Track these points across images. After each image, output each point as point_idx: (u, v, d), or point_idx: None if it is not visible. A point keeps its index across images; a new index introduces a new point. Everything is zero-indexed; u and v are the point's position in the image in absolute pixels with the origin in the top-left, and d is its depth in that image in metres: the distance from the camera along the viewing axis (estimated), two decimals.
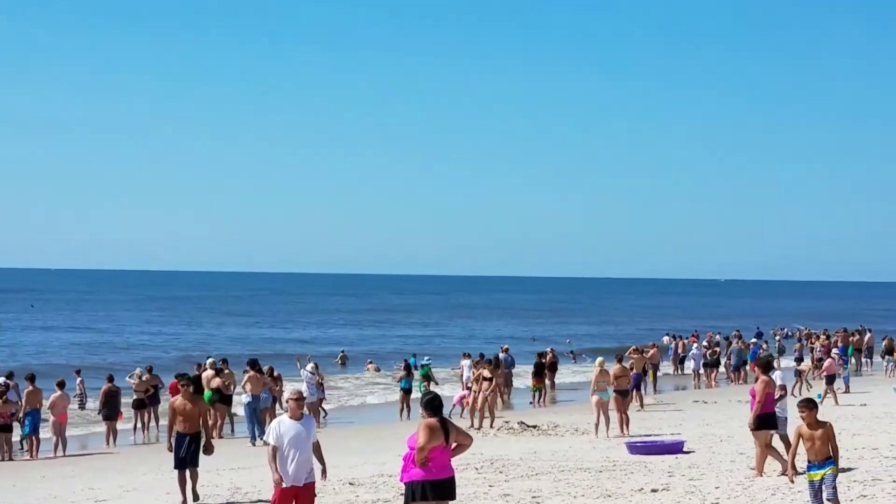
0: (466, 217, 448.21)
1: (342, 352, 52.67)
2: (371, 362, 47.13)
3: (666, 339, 50.87)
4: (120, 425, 26.18)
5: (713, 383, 39.23)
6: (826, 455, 11.40)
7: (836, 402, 28.76)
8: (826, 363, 31.79)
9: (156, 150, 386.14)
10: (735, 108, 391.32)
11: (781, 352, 48.29)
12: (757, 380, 15.60)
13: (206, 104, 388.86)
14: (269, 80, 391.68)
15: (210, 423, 25.93)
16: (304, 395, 27.34)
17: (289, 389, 11.89)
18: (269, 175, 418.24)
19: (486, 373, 26.60)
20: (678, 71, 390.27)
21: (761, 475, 15.35)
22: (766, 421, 15.48)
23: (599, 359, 25.57)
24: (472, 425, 25.29)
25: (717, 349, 42.08)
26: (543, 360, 34.98)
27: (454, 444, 10.20)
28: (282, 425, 11.32)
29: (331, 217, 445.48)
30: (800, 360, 37.16)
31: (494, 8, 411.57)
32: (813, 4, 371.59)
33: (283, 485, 11.16)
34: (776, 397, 16.16)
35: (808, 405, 11.54)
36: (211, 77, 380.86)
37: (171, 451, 15.34)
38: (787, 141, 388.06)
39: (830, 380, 30.46)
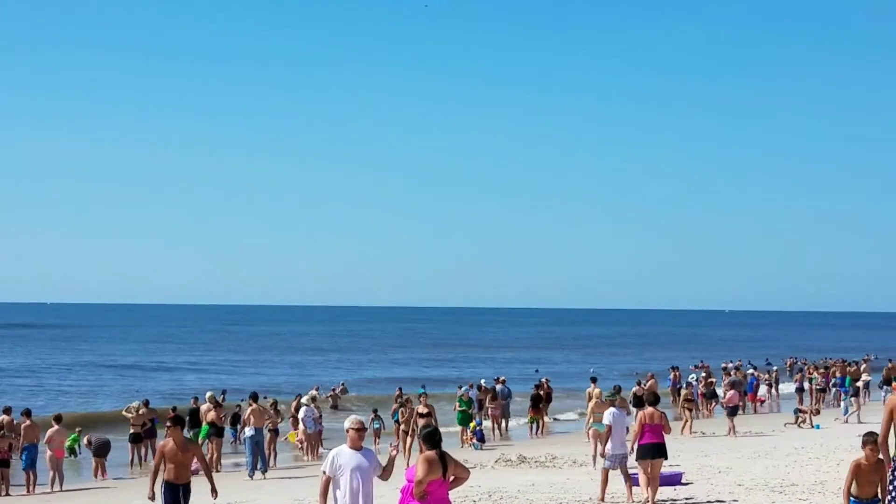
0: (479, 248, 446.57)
1: (342, 384, 47.85)
2: (341, 386, 44.97)
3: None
4: (116, 459, 26.06)
5: (710, 414, 39.13)
6: (873, 494, 11.21)
7: (734, 434, 28.87)
8: (728, 394, 31.41)
9: (155, 176, 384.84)
10: (740, 141, 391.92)
11: (776, 382, 48.17)
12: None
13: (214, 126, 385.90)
14: (279, 107, 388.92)
15: (207, 456, 26.05)
16: (309, 428, 27.47)
17: (350, 419, 10.83)
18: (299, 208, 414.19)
19: (423, 408, 25.25)
20: (685, 104, 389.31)
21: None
22: (649, 450, 15.97)
23: (596, 390, 25.51)
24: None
25: (713, 380, 42.04)
26: (540, 392, 34.94)
27: (452, 478, 10.18)
28: (340, 456, 10.50)
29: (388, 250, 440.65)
30: (800, 390, 37.06)
31: (536, 46, 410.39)
32: (823, 40, 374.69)
33: None
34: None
35: (877, 441, 11.29)
36: (215, 102, 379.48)
37: (152, 500, 13.49)
38: (795, 174, 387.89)
39: (733, 411, 30.28)
